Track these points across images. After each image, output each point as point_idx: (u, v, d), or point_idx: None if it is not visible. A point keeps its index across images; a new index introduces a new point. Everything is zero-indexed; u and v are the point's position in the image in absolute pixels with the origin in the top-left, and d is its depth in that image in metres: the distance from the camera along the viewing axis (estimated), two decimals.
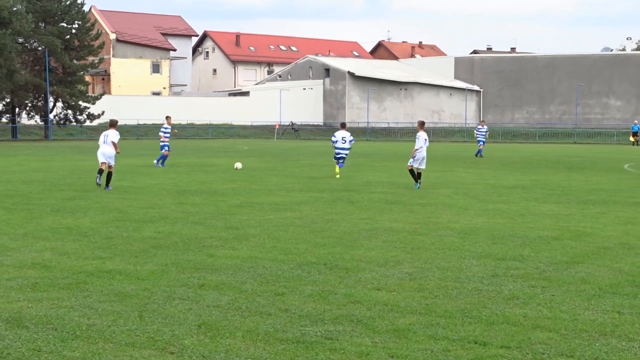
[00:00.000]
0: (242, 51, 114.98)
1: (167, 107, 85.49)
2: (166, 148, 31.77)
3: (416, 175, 22.48)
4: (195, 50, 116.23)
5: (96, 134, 72.30)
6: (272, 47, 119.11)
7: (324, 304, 8.44)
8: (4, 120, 74.55)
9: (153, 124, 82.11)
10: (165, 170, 29.58)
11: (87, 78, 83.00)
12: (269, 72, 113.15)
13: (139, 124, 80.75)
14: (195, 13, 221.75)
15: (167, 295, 8.76)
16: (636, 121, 75.42)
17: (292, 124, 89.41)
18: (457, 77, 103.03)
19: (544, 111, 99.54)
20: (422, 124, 23.15)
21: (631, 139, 71.52)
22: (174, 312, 8.03)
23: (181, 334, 7.29)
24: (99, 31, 79.51)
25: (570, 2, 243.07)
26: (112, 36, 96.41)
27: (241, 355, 6.70)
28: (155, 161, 32.01)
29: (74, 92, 72.19)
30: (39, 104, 73.19)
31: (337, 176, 26.02)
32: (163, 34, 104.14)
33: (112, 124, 22.09)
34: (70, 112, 74.59)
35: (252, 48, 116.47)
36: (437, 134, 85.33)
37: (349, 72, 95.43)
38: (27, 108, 73.54)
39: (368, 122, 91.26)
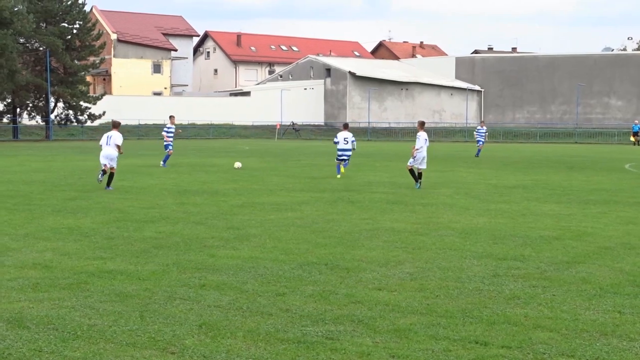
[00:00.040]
0: (243, 51, 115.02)
1: (168, 107, 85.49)
2: (170, 147, 31.78)
3: (416, 175, 22.47)
4: (196, 50, 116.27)
5: (97, 134, 72.37)
6: (273, 47, 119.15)
7: (325, 304, 8.44)
8: (5, 120, 74.58)
9: (154, 124, 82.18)
10: (166, 170, 29.58)
11: (88, 78, 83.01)
12: (270, 72, 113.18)
13: (140, 124, 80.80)
14: (196, 13, 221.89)
15: (168, 296, 8.76)
16: (637, 121, 75.38)
17: (293, 124, 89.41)
18: (458, 77, 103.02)
19: (545, 111, 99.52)
20: (422, 124, 23.13)
21: (632, 139, 71.50)
22: (175, 312, 8.04)
23: (182, 334, 7.29)
24: (100, 31, 79.50)
25: (570, 2, 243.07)
26: (113, 36, 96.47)
27: (242, 356, 6.70)
28: (162, 163, 31.89)
29: (75, 93, 72.21)
30: (40, 104, 73.21)
31: (338, 176, 26.08)
32: (164, 34, 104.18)
33: (115, 125, 22.11)
34: (71, 112, 74.61)
35: (253, 48, 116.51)
36: (438, 133, 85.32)
37: (350, 72, 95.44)
38: (28, 108, 73.56)
39: (369, 122, 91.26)
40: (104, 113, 72.99)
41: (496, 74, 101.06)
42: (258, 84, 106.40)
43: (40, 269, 10.19)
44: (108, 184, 21.25)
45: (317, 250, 11.75)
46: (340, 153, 26.53)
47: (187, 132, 77.97)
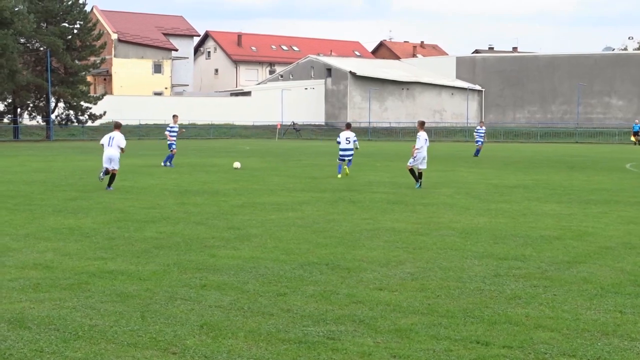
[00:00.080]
0: (243, 51, 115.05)
1: (169, 107, 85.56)
2: (173, 147, 31.82)
3: (417, 175, 22.47)
4: (197, 50, 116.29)
5: (98, 134, 72.38)
6: (273, 47, 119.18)
7: (326, 304, 8.44)
8: (5, 120, 74.60)
9: (155, 124, 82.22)
10: (167, 170, 29.59)
11: (89, 78, 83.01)
12: (271, 72, 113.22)
13: (140, 124, 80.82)
14: (197, 13, 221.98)
15: (169, 296, 8.76)
16: (637, 120, 75.38)
17: (294, 124, 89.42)
18: (458, 76, 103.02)
19: (546, 111, 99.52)
20: (422, 124, 23.14)
21: (632, 138, 71.46)
22: (176, 313, 8.03)
23: (183, 334, 7.29)
24: (101, 31, 79.50)
25: (570, 2, 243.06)
26: (114, 36, 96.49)
27: (243, 356, 6.70)
28: (163, 163, 32.00)
29: (76, 93, 72.21)
30: (41, 104, 73.21)
31: (339, 176, 26.18)
32: (165, 34, 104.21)
33: (117, 126, 22.15)
34: (72, 112, 74.60)
35: (253, 48, 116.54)
36: (438, 133, 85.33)
37: (350, 72, 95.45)
38: (29, 108, 73.56)
39: (370, 122, 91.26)
40: (104, 113, 73.01)
41: (497, 74, 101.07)
42: (259, 83, 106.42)
43: (41, 270, 10.19)
44: (109, 185, 21.28)
45: (318, 250, 11.75)
46: (342, 153, 26.54)
47: (188, 132, 78.07)
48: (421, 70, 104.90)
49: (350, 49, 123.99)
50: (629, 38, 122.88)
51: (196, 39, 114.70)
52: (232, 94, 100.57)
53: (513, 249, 11.91)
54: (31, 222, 14.68)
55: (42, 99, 72.77)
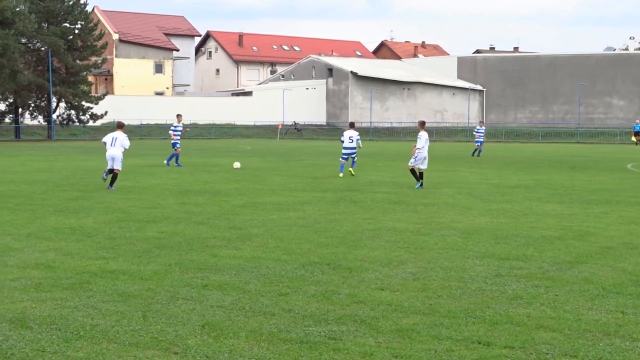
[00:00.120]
0: (245, 51, 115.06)
1: (170, 107, 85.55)
2: (177, 146, 31.87)
3: (417, 175, 22.47)
4: (198, 50, 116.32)
5: (99, 134, 72.35)
6: (275, 47, 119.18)
7: (328, 304, 8.44)
8: (7, 120, 74.62)
9: (156, 124, 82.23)
10: (168, 170, 29.60)
11: (90, 78, 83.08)
12: (272, 72, 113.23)
13: (142, 124, 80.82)
14: (198, 13, 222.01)
15: (170, 296, 8.76)
16: (638, 121, 75.31)
17: (295, 123, 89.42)
18: (460, 76, 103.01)
19: (547, 111, 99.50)
20: (422, 124, 23.16)
21: (633, 138, 71.40)
22: (177, 312, 8.04)
23: (185, 334, 7.29)
24: (102, 31, 79.52)
25: (570, 2, 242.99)
26: (115, 36, 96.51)
27: (245, 356, 6.70)
28: (165, 162, 32.08)
29: (77, 92, 72.24)
30: (42, 104, 73.25)
31: (341, 175, 26.32)
32: (166, 34, 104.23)
33: (119, 126, 22.25)
34: (73, 112, 74.63)
35: (255, 48, 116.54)
36: (440, 133, 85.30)
37: (351, 71, 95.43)
38: (30, 108, 73.59)
39: (371, 122, 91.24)
40: (106, 113, 73.05)
41: (498, 74, 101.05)
42: (260, 83, 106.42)
43: (43, 269, 10.20)
44: (111, 184, 21.34)
45: (320, 250, 11.75)
46: (345, 151, 26.75)
47: (190, 132, 78.10)
48: (422, 70, 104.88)
49: (351, 49, 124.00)
50: (630, 38, 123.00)
51: (197, 39, 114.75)
52: (233, 94, 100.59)
53: (514, 249, 11.90)
54: (33, 222, 14.69)
55: (43, 98, 72.80)
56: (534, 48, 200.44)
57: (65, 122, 75.35)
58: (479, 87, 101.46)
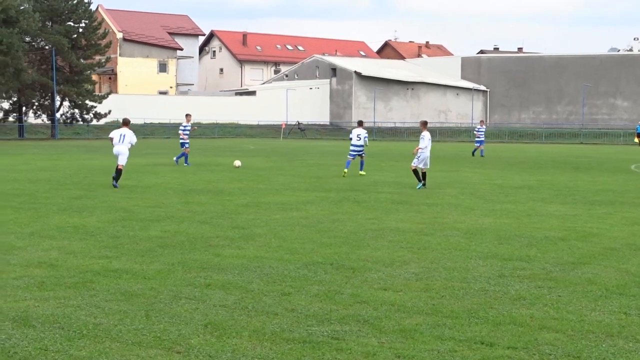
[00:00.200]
0: (248, 50, 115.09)
1: (174, 106, 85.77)
2: (186, 145, 32.00)
3: (420, 176, 22.46)
4: (202, 49, 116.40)
5: (103, 133, 72.55)
6: (278, 46, 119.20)
7: (331, 303, 8.44)
8: (10, 119, 74.76)
9: (160, 123, 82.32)
10: (172, 169, 29.62)
11: (94, 77, 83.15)
12: (276, 72, 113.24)
13: (145, 123, 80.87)
14: (202, 12, 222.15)
15: (173, 295, 8.76)
16: None
17: (299, 123, 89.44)
18: (463, 77, 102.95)
19: (551, 111, 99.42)
20: (424, 124, 23.20)
21: (636, 140, 71.29)
22: (180, 312, 8.04)
23: (188, 333, 7.29)
24: (106, 30, 79.63)
25: (574, 2, 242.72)
26: (119, 35, 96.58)
27: (248, 355, 6.70)
28: (175, 159, 32.26)
29: (81, 91, 72.35)
30: (46, 102, 73.35)
31: (345, 170, 26.77)
32: (170, 33, 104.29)
33: (125, 122, 22.54)
34: (77, 111, 74.75)
35: (258, 47, 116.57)
36: (443, 133, 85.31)
37: (355, 71, 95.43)
38: (34, 107, 73.71)
39: (374, 122, 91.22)
40: (109, 112, 73.15)
41: (502, 74, 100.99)
42: (264, 83, 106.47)
43: (46, 268, 10.20)
44: (115, 180, 21.61)
45: (323, 249, 11.74)
46: (352, 148, 27.40)
47: (194, 131, 78.11)
48: (426, 70, 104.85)
49: (355, 48, 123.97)
50: (634, 39, 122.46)
51: (201, 39, 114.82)
52: (237, 94, 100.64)
53: (518, 250, 11.89)
54: (36, 221, 14.70)
55: (47, 97, 72.91)
56: (538, 48, 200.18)
57: (68, 120, 75.45)
58: (482, 88, 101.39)
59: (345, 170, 26.80)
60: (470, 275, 9.94)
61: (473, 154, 44.30)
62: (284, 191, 21.12)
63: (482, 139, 44.46)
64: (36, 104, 73.34)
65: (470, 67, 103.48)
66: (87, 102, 73.58)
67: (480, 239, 12.97)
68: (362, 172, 27.14)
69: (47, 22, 72.13)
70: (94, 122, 75.37)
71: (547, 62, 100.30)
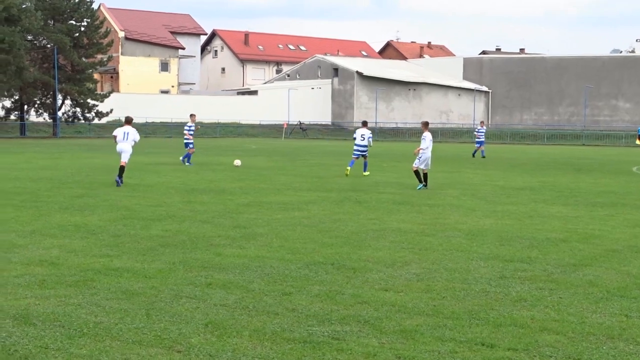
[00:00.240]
0: (250, 50, 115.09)
1: (176, 105, 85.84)
2: (190, 145, 32.07)
3: (421, 177, 22.44)
4: (203, 48, 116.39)
5: (104, 131, 72.59)
6: (280, 46, 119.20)
7: (331, 304, 8.43)
8: (12, 117, 74.80)
9: (161, 122, 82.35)
10: (174, 168, 29.63)
11: (96, 76, 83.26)
12: (278, 72, 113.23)
13: (147, 122, 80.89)
14: (204, 12, 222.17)
15: (174, 294, 8.76)
16: None
17: (300, 123, 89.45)
18: (465, 77, 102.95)
19: (553, 112, 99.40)
20: (426, 124, 23.21)
21: (637, 142, 71.20)
22: (181, 311, 8.03)
23: (188, 332, 7.29)
24: (108, 29, 79.65)
25: (576, 3, 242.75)
26: (121, 34, 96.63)
27: (248, 355, 6.70)
28: (181, 158, 32.35)
29: (83, 90, 72.40)
30: (48, 101, 73.39)
31: (349, 168, 27.00)
32: (172, 33, 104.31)
33: (128, 121, 22.78)
34: (78, 109, 74.81)
35: (260, 47, 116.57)
36: (445, 134, 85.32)
37: (357, 71, 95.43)
38: (36, 105, 73.76)
39: (376, 122, 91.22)
40: (111, 111, 73.17)
41: (504, 75, 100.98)
42: (265, 83, 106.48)
43: (47, 266, 10.21)
44: (120, 178, 21.79)
45: (324, 250, 11.74)
46: (356, 148, 27.63)
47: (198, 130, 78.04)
48: (428, 70, 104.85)
49: (357, 48, 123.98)
50: (636, 40, 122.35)
51: (203, 38, 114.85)
52: (238, 93, 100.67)
53: (519, 251, 11.88)
54: (37, 219, 14.71)
55: (48, 96, 72.95)
56: (540, 49, 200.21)
57: (70, 119, 75.51)
58: (484, 88, 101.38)
59: (348, 168, 27.07)
60: (471, 277, 9.94)
61: (474, 155, 44.36)
62: (285, 191, 21.12)
63: (482, 139, 44.56)
64: (38, 102, 73.40)
65: (472, 67, 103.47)
66: (88, 100, 73.62)
67: (481, 240, 12.96)
68: (365, 173, 27.25)
69: (49, 21, 72.18)
70: (96, 120, 75.43)
71: (549, 63, 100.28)
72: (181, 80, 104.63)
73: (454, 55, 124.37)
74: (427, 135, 22.51)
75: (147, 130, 78.96)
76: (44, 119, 75.46)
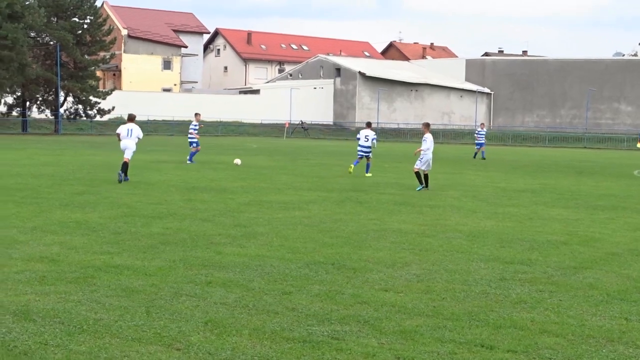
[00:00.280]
0: (253, 49, 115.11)
1: (178, 103, 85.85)
2: (194, 144, 32.16)
3: (422, 178, 22.41)
4: (206, 47, 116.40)
5: (106, 129, 72.62)
6: (283, 45, 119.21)
7: (331, 303, 8.43)
8: (14, 113, 74.83)
9: (163, 121, 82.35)
10: (175, 166, 29.65)
11: (98, 73, 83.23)
12: (280, 71, 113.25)
13: (149, 120, 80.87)
14: (207, 10, 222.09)
15: (174, 292, 8.76)
16: None
17: (302, 123, 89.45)
18: (468, 79, 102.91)
19: (555, 115, 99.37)
20: (427, 126, 23.18)
21: (638, 145, 71.15)
22: (181, 309, 8.04)
23: (188, 330, 7.29)
24: (111, 27, 79.66)
25: (581, 6, 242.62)
26: (124, 32, 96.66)
27: (247, 353, 6.70)
28: (189, 159, 32.39)
29: (85, 87, 72.40)
30: (50, 98, 73.43)
31: (352, 166, 27.44)
32: (175, 31, 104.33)
33: (131, 118, 23.11)
34: (80, 106, 74.83)
35: (263, 46, 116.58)
36: (447, 135, 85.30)
37: (359, 72, 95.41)
38: (38, 102, 73.79)
39: (378, 123, 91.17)
40: (113, 108, 73.19)
41: (506, 77, 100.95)
42: (268, 82, 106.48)
43: (47, 263, 10.21)
44: (125, 175, 22.04)
45: (324, 249, 11.74)
46: (360, 149, 27.86)
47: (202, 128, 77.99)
48: (430, 71, 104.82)
49: (359, 49, 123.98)
50: (639, 44, 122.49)
51: (206, 36, 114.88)
52: (240, 92, 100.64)
53: (519, 253, 11.88)
54: (38, 215, 14.71)
55: (51, 92, 72.98)
56: (542, 52, 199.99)
57: (72, 116, 75.54)
58: (486, 90, 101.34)
59: (352, 166, 27.56)
60: (472, 278, 9.93)
61: (474, 157, 44.34)
62: (286, 190, 21.12)
63: (482, 141, 44.62)
64: (40, 99, 73.43)
65: (474, 69, 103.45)
66: (90, 98, 73.64)
67: (482, 241, 12.96)
68: (367, 174, 27.29)
69: (52, 18, 72.18)
70: (98, 118, 75.46)
71: (551, 65, 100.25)
72: (183, 78, 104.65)
73: (457, 56, 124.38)
74: (428, 137, 22.49)
75: (148, 128, 78.90)
76: (46, 115, 75.50)
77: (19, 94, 72.14)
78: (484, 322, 7.83)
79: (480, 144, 44.51)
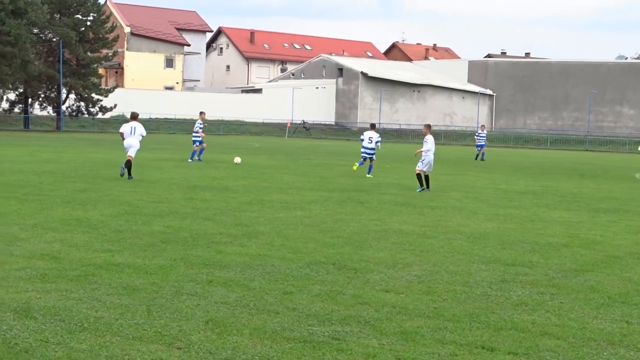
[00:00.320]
0: (256, 48, 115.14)
1: (180, 102, 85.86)
2: (197, 143, 32.31)
3: (423, 179, 22.38)
4: (209, 46, 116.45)
5: (108, 126, 72.67)
6: (286, 45, 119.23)
7: (332, 304, 8.43)
8: (16, 110, 74.86)
9: (165, 119, 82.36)
10: (176, 165, 29.66)
11: (101, 71, 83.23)
12: (283, 70, 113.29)
13: (151, 118, 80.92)
14: (210, 9, 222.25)
15: (175, 291, 8.76)
16: None
17: (304, 122, 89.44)
18: (470, 80, 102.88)
19: (557, 117, 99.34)
20: (428, 127, 23.21)
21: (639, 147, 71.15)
22: (181, 308, 8.03)
23: (188, 329, 7.29)
24: (114, 24, 79.68)
25: (584, 9, 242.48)
26: (127, 29, 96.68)
27: (248, 353, 6.69)
28: (198, 158, 32.44)
29: (87, 84, 72.43)
30: (52, 95, 73.45)
31: (356, 165, 27.86)
32: (177, 29, 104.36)
33: (134, 116, 23.28)
34: (82, 104, 74.86)
35: (266, 45, 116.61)
36: (448, 137, 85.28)
37: (362, 72, 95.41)
38: (40, 99, 73.82)
39: (380, 123, 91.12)
40: (115, 106, 73.21)
41: (509, 79, 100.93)
42: (270, 81, 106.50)
43: (48, 260, 10.21)
44: (129, 174, 22.21)
45: (325, 249, 11.73)
46: (364, 150, 27.92)
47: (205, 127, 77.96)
48: (433, 72, 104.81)
49: (362, 49, 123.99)
50: None
51: (209, 35, 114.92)
52: (243, 91, 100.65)
53: (520, 255, 11.87)
54: (39, 213, 14.71)
55: (53, 89, 73.01)
56: (545, 54, 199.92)
57: (74, 113, 75.57)
58: (489, 92, 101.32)
59: (356, 164, 27.90)
60: (473, 280, 9.93)
61: (476, 159, 44.34)
62: (287, 190, 21.12)
63: (483, 143, 44.71)
64: (42, 96, 73.47)
65: (477, 70, 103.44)
66: (93, 95, 73.67)
67: (483, 243, 12.95)
68: (369, 175, 27.24)
69: (55, 15, 72.23)
70: (100, 115, 75.47)
71: (554, 67, 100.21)
72: (186, 77, 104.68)
73: (459, 58, 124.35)
74: (429, 138, 22.48)
75: (150, 126, 78.96)
76: (48, 112, 75.54)
77: (21, 90, 72.19)
78: (484, 324, 7.82)
79: (481, 146, 44.60)
